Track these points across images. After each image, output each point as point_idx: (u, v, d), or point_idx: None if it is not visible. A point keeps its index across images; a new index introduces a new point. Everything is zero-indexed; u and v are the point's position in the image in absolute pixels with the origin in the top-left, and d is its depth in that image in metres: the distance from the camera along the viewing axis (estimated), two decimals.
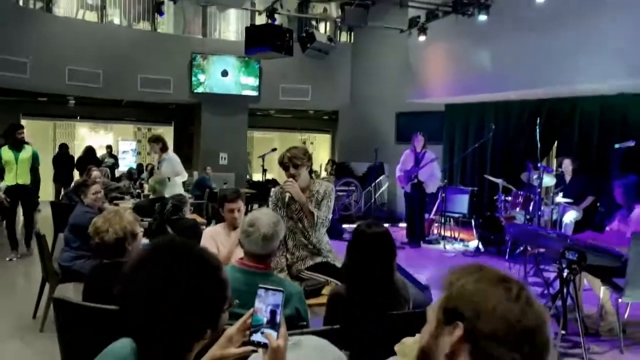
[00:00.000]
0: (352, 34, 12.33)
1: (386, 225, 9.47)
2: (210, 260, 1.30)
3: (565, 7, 7.53)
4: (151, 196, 5.73)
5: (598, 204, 7.35)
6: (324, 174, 13.82)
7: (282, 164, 3.51)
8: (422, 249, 8.08)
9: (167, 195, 5.71)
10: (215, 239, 3.82)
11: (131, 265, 1.29)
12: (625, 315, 4.35)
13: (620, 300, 3.92)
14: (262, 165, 8.50)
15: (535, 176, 7.47)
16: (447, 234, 8.70)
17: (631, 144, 5.65)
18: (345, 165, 11.95)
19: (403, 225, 10.12)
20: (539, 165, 6.59)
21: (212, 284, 1.27)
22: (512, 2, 8.23)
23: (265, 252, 2.28)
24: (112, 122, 16.06)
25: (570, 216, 7.41)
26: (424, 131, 11.03)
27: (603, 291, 4.26)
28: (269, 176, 16.52)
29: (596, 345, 4.02)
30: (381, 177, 10.69)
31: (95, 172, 6.27)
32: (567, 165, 7.62)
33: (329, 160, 11.75)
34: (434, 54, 10.14)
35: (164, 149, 6.70)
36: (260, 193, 11.69)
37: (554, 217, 7.34)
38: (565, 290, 3.44)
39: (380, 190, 10.79)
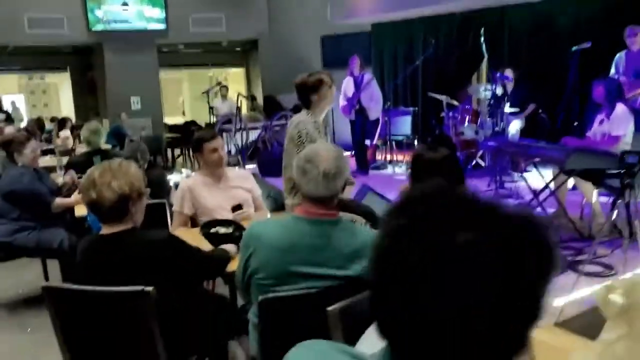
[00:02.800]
0: None
1: None
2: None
3: None
4: (85, 149, 4.91)
5: (540, 111, 7.43)
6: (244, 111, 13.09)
7: None
8: (370, 175, 7.84)
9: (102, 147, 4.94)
10: (195, 193, 3.25)
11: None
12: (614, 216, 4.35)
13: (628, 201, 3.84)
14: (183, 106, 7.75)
15: (481, 88, 7.41)
16: (394, 158, 8.53)
17: (587, 45, 5.58)
18: (272, 98, 11.30)
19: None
20: (498, 75, 6.44)
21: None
22: None
23: (330, 194, 1.81)
24: None
25: (515, 126, 7.45)
26: (352, 54, 10.66)
27: (595, 194, 4.22)
28: (188, 117, 15.56)
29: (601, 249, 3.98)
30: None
31: (9, 129, 5.26)
32: (509, 74, 7.59)
33: (247, 96, 11.00)
34: None
35: None
36: (184, 137, 10.86)
37: (500, 127, 7.36)
38: (627, 195, 3.28)
39: None
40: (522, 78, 7.43)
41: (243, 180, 3.45)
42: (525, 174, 6.71)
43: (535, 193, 4.41)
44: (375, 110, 7.85)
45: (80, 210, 3.79)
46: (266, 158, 8.22)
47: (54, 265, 3.97)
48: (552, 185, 4.52)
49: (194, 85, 17.37)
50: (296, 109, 10.68)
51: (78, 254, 2.10)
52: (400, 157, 8.61)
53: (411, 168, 2.13)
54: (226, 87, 11.36)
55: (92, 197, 1.94)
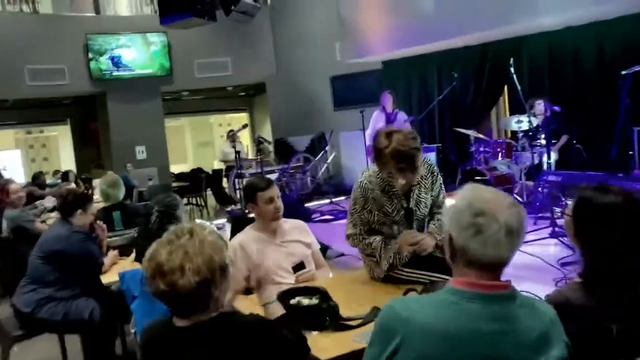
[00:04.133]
0: None
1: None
2: None
3: None
4: (103, 204, 4.43)
5: (574, 142, 7.05)
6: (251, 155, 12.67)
7: (401, 163, 2.46)
8: None
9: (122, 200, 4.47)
10: (248, 252, 2.77)
11: None
12: None
13: None
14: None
15: (514, 120, 7.04)
16: None
17: (638, 68, 5.23)
18: (283, 141, 10.91)
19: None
20: (537, 103, 6.08)
21: None
22: None
23: (510, 256, 1.33)
24: None
25: (553, 157, 7.06)
26: (363, 93, 10.39)
27: None
28: (192, 165, 15.15)
29: None
30: (326, 149, 9.81)
31: (14, 186, 4.79)
32: (538, 105, 7.25)
33: (268, 141, 10.60)
34: (368, 5, 9.34)
35: None
36: (193, 185, 10.42)
37: (535, 161, 6.96)
38: None
39: (327, 163, 9.93)
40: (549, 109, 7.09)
41: (300, 233, 2.98)
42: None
43: None
44: None
45: (110, 277, 3.29)
46: (285, 202, 7.73)
47: (72, 340, 3.45)
48: None
49: (196, 130, 17.07)
50: (309, 150, 10.36)
51: (141, 346, 1.60)
52: None
53: (574, 215, 1.65)
54: (233, 132, 10.98)
55: (160, 288, 1.46)
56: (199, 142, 16.93)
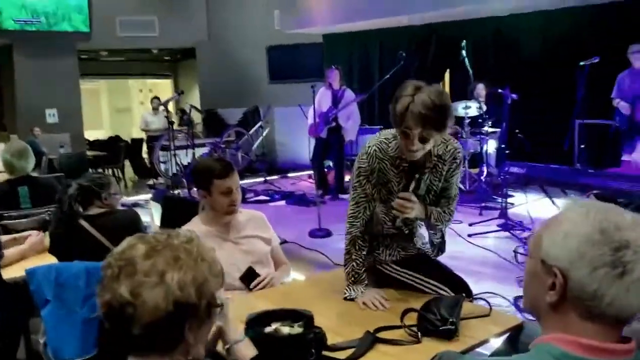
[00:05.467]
0: None
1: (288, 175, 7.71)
2: None
3: None
4: (6, 177, 3.68)
5: (517, 131, 6.96)
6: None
7: (406, 128, 1.90)
8: (341, 200, 6.99)
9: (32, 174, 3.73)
10: None
11: None
12: None
13: None
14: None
15: (460, 106, 6.83)
16: None
17: (595, 60, 5.12)
18: (213, 113, 10.18)
19: (295, 175, 8.99)
20: (499, 91, 5.86)
21: None
22: None
23: None
24: None
25: (492, 146, 6.96)
26: (302, 66, 9.87)
27: None
28: (109, 132, 13.97)
29: None
30: (260, 124, 9.23)
31: None
32: (481, 90, 7.10)
33: (200, 109, 9.77)
34: None
35: None
36: (110, 155, 9.52)
37: (479, 148, 6.82)
38: None
39: (261, 139, 9.35)
40: (491, 95, 6.95)
41: (259, 226, 2.48)
42: (510, 199, 6.20)
43: None
44: (353, 131, 7.06)
45: (12, 271, 2.64)
46: None
47: None
48: None
49: (112, 96, 15.76)
50: (241, 125, 9.72)
51: None
52: None
53: None
54: (158, 99, 10.13)
55: (115, 297, 0.95)
56: (117, 108, 15.65)
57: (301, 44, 9.66)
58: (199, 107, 10.20)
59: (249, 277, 2.30)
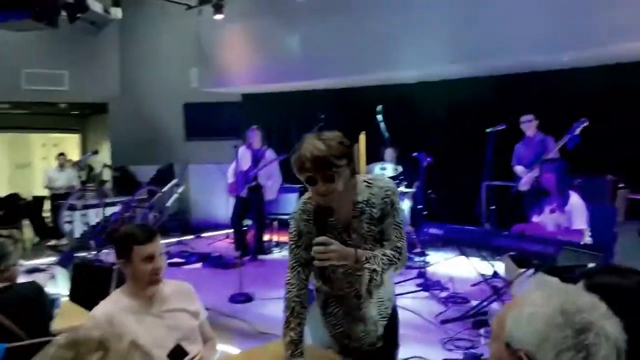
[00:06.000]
0: (121, 6, 10.11)
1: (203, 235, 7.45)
2: None
3: None
4: None
5: (429, 191, 7.24)
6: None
7: (304, 174, 1.91)
8: (261, 261, 6.85)
9: None
10: (120, 327, 2.06)
11: None
12: None
13: None
14: None
15: (377, 167, 7.04)
16: (279, 239, 7.69)
17: (502, 127, 5.49)
18: (123, 170, 9.76)
19: (211, 234, 8.73)
20: (414, 154, 6.07)
21: None
22: None
23: None
24: None
25: (407, 205, 7.18)
26: (220, 124, 9.80)
27: None
28: (7, 189, 12.94)
29: None
30: (174, 181, 8.94)
31: None
32: (390, 154, 7.37)
33: (112, 167, 9.30)
34: (231, 35, 8.86)
35: None
36: (7, 214, 8.81)
37: None
38: None
39: (173, 197, 9.03)
40: (402, 157, 7.25)
41: (185, 299, 2.32)
42: (426, 258, 6.37)
43: (497, 289, 3.90)
44: (273, 190, 7.02)
45: None
46: None
47: None
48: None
49: (14, 149, 14.74)
50: (154, 182, 9.36)
51: None
52: (285, 238, 7.79)
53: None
54: (64, 155, 9.60)
55: None
56: (17, 164, 14.63)
57: (219, 102, 9.63)
58: (109, 163, 9.76)
59: (176, 356, 2.12)
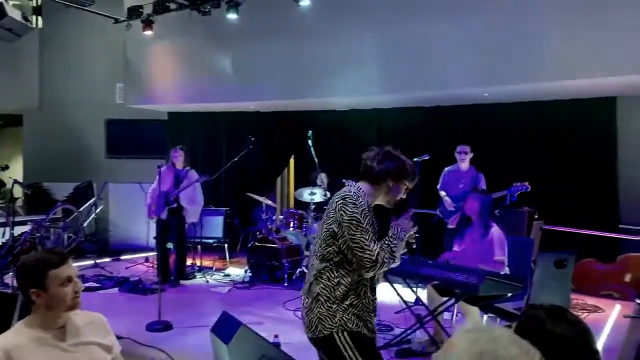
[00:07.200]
0: (42, 17, 9.60)
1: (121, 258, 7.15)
2: None
3: (324, 16, 7.21)
4: None
5: None
6: None
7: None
8: (182, 287, 6.59)
9: None
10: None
11: None
12: None
13: None
14: None
15: (306, 192, 7.03)
16: (202, 263, 7.46)
17: (426, 157, 5.65)
18: (37, 187, 9.16)
19: (130, 257, 8.32)
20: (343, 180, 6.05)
21: None
22: (265, 4, 7.50)
23: None
24: None
25: None
26: (144, 142, 9.47)
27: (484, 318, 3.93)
28: None
29: None
30: (93, 200, 8.51)
31: None
32: (324, 178, 7.41)
33: (23, 184, 8.67)
34: (159, 52, 8.64)
35: None
36: None
37: None
38: None
39: (91, 217, 8.58)
40: (335, 184, 7.29)
41: (98, 331, 2.16)
42: None
43: (421, 318, 3.94)
44: (195, 213, 6.80)
45: None
46: None
47: None
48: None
49: None
50: (72, 200, 8.84)
51: None
52: (208, 263, 7.58)
53: (517, 331, 1.33)
54: None
55: None
56: None
57: (144, 119, 9.33)
58: (20, 179, 9.14)
59: None
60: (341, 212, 2.32)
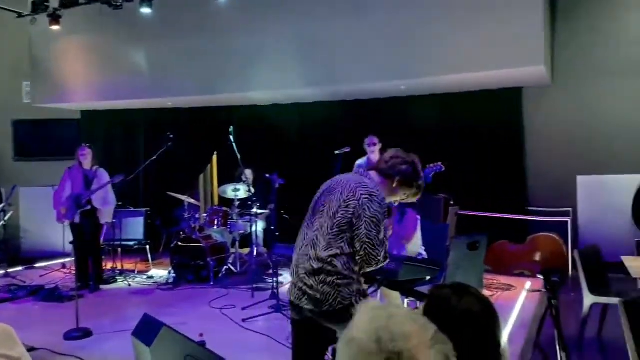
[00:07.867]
0: None
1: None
2: None
3: (240, 10, 7.14)
4: None
5: (282, 212, 7.33)
6: None
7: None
8: (102, 292, 6.34)
9: None
10: None
11: None
12: None
13: None
14: None
15: (230, 188, 6.96)
16: (123, 266, 7.20)
17: (347, 149, 5.75)
18: None
19: (45, 264, 7.91)
20: (267, 176, 6.04)
21: None
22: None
23: None
24: None
25: (260, 226, 7.18)
26: (56, 143, 9.01)
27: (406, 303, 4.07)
28: None
29: None
30: (1, 206, 7.98)
31: None
32: (249, 175, 7.37)
33: None
34: (68, 49, 8.22)
35: None
36: None
37: (249, 229, 6.95)
38: None
39: (0, 224, 8.06)
40: (259, 180, 7.28)
41: (5, 343, 2.04)
42: (279, 279, 6.40)
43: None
44: (109, 214, 6.53)
45: None
46: None
47: None
48: None
49: None
50: None
51: None
52: (130, 266, 7.32)
53: (425, 314, 1.40)
54: None
55: None
56: None
57: (55, 119, 8.87)
58: None
59: None
60: (365, 207, 2.38)
